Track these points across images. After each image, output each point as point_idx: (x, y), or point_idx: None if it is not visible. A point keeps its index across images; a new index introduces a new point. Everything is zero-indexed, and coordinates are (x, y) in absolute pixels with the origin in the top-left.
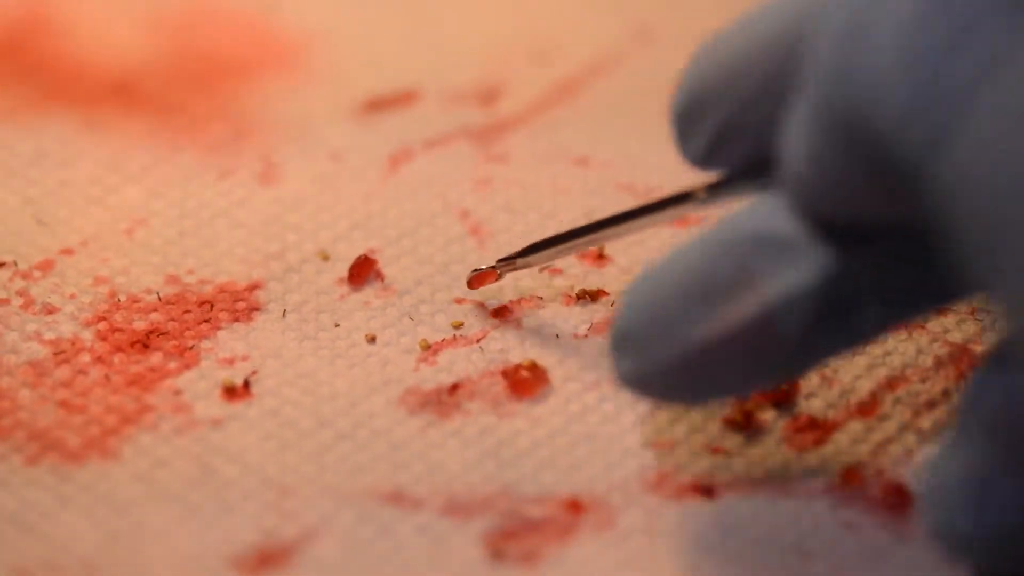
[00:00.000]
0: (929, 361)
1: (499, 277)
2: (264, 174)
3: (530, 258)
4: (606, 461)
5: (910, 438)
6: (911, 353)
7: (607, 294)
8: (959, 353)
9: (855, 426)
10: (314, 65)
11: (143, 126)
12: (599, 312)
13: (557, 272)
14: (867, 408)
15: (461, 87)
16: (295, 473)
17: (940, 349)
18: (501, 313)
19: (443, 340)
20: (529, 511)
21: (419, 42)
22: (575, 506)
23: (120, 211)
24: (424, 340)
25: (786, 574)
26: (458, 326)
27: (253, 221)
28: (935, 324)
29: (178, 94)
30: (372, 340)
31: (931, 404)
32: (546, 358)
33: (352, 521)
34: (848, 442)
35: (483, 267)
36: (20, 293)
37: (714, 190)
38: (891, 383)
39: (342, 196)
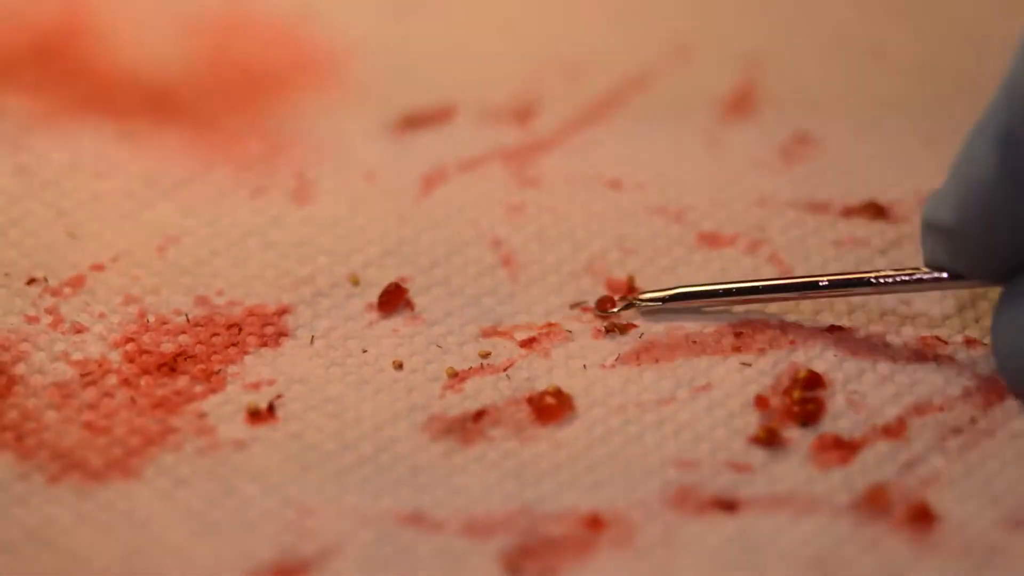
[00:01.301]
0: (957, 391)
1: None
2: (297, 192)
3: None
4: (627, 480)
5: (936, 460)
6: (939, 383)
7: (636, 327)
8: (987, 384)
9: (881, 446)
10: (349, 79)
11: (178, 139)
12: (627, 344)
13: (588, 309)
14: (893, 430)
15: (496, 103)
16: (316, 493)
17: (968, 380)
18: (529, 344)
19: (470, 368)
20: (548, 529)
21: (455, 57)
22: (595, 522)
23: (153, 227)
24: (451, 368)
25: None
26: (485, 355)
27: (285, 242)
28: (964, 356)
29: (213, 107)
30: (399, 367)
31: (957, 430)
32: (572, 386)
33: (371, 541)
34: (874, 462)
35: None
36: (50, 311)
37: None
38: (918, 409)
39: (374, 218)
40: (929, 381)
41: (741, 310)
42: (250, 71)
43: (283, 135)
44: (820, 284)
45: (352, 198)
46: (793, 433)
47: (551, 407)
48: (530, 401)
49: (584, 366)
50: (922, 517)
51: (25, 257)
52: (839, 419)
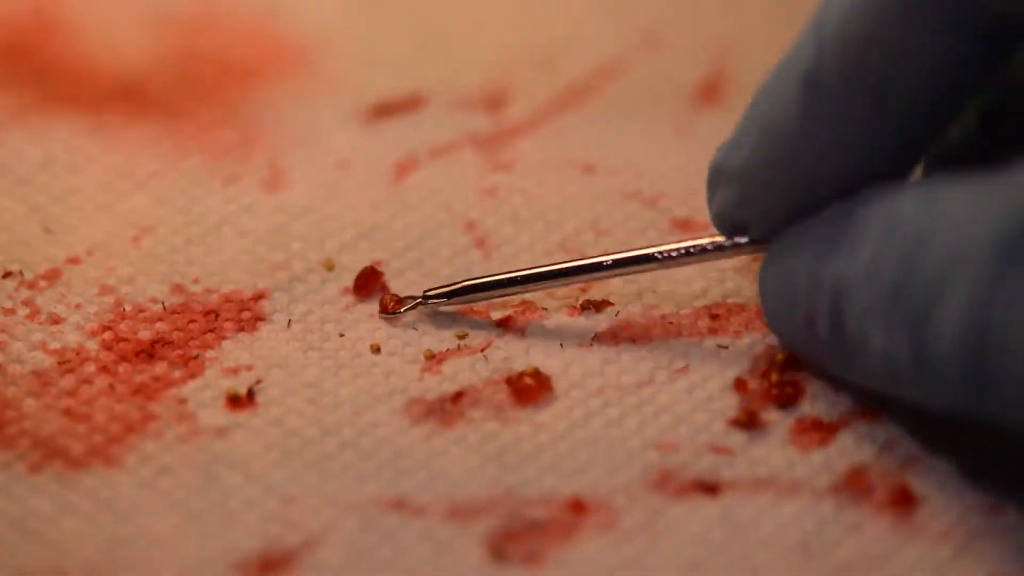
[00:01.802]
0: None
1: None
2: (270, 180)
3: (457, 299)
4: (609, 463)
5: (914, 442)
6: None
7: (612, 304)
8: None
9: (860, 427)
10: (321, 69)
11: (150, 131)
12: (603, 322)
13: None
14: (872, 412)
15: (467, 92)
16: (298, 481)
17: None
18: (505, 323)
19: (447, 350)
20: (531, 512)
21: (426, 47)
22: (578, 506)
23: (127, 218)
24: (428, 350)
25: (790, 574)
26: (462, 336)
27: (259, 229)
28: None
29: (185, 98)
30: (377, 350)
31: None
32: (550, 366)
33: (355, 528)
34: (853, 443)
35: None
36: (26, 303)
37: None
38: None
39: (348, 204)
40: None
41: (716, 291)
42: (221, 63)
43: (255, 125)
44: (605, 264)
45: (325, 185)
46: (772, 415)
47: (530, 388)
48: (508, 382)
49: (560, 345)
50: (903, 500)
51: (0, 252)
52: (817, 401)
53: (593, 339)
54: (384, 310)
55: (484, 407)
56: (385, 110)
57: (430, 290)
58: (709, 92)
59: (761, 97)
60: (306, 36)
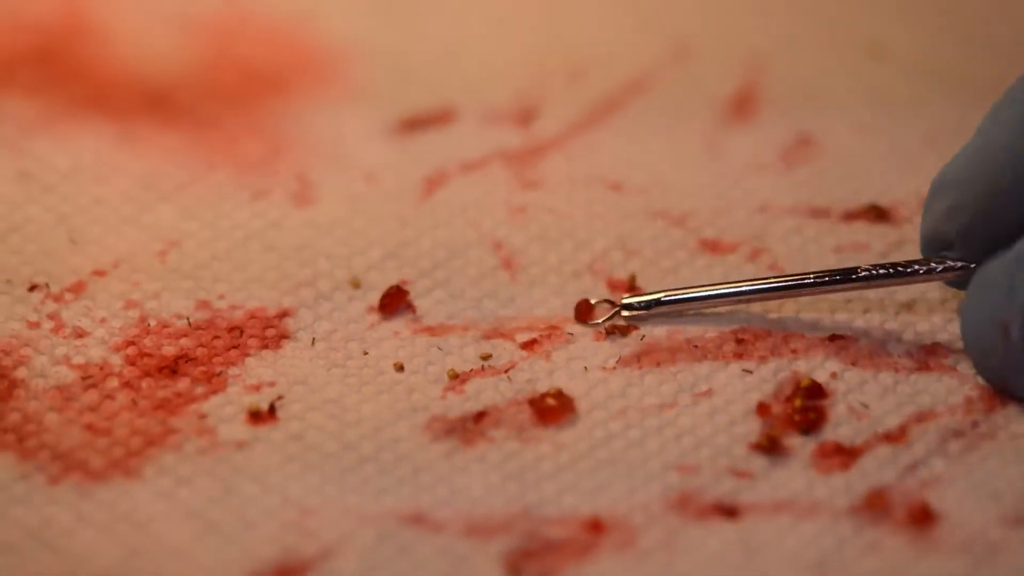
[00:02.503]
0: (959, 399)
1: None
2: (298, 194)
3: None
4: (629, 484)
5: (937, 463)
6: (941, 392)
7: (637, 329)
8: (989, 392)
9: (882, 451)
10: (350, 79)
11: (178, 140)
12: (628, 347)
13: (587, 303)
14: (894, 436)
15: (498, 105)
16: (317, 493)
17: (971, 390)
18: (530, 346)
19: (471, 370)
20: (550, 532)
21: (456, 59)
22: (596, 526)
23: (153, 231)
24: (452, 369)
25: None
26: (486, 357)
27: (286, 245)
28: (965, 365)
29: (214, 108)
30: (400, 369)
31: (959, 433)
32: (573, 388)
33: (372, 541)
34: (874, 466)
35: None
36: (51, 316)
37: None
38: (920, 417)
39: (375, 221)
40: (931, 391)
41: (742, 316)
42: (251, 72)
43: (284, 136)
44: (806, 282)
45: (353, 200)
46: (794, 441)
47: (552, 408)
48: (531, 402)
49: (585, 368)
50: (922, 517)
51: (27, 264)
52: (840, 427)
53: (617, 362)
54: (581, 320)
55: (506, 427)
56: (414, 123)
57: (626, 298)
58: (740, 107)
59: (993, 109)
60: (336, 45)
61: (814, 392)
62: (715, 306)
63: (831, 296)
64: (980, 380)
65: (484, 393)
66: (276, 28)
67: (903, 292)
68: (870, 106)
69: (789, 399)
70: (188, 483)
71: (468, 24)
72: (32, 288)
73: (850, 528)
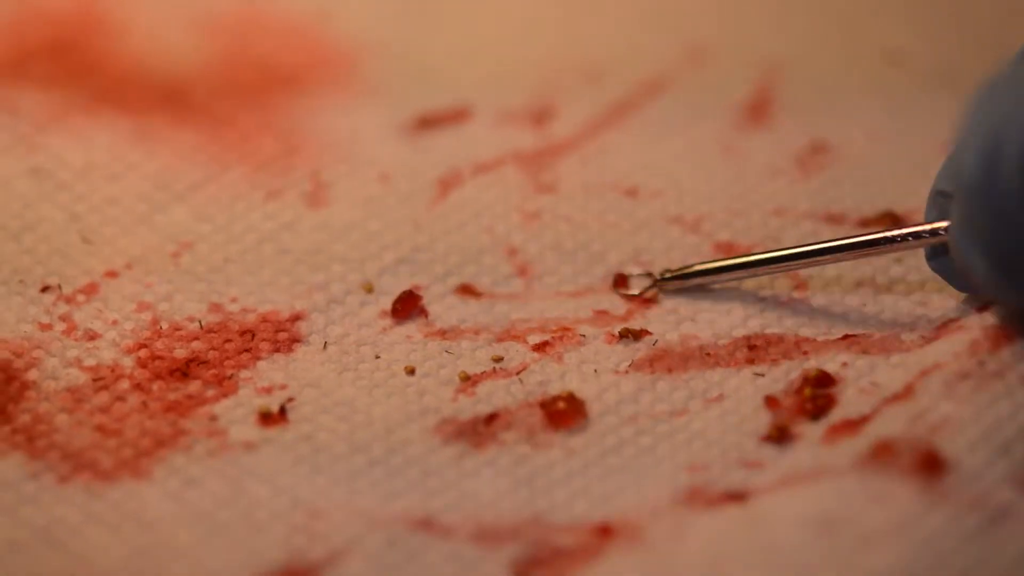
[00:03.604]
0: (964, 346)
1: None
2: (312, 195)
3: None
4: (639, 492)
5: (945, 406)
6: (945, 347)
7: (650, 333)
8: (994, 332)
9: (890, 411)
10: (366, 77)
11: (193, 138)
12: (641, 351)
13: (603, 313)
14: (901, 395)
15: (513, 106)
16: (326, 496)
17: (976, 333)
18: (542, 348)
19: (482, 372)
20: (559, 540)
21: (471, 58)
22: (605, 532)
23: (167, 232)
24: (463, 372)
25: (814, 548)
26: (498, 360)
27: (299, 248)
28: (975, 319)
29: (229, 105)
30: (411, 372)
31: (966, 375)
32: (584, 391)
33: (381, 545)
34: (882, 424)
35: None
36: (63, 318)
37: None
38: (924, 372)
39: (389, 224)
40: (937, 349)
41: (756, 325)
42: (266, 70)
43: (298, 134)
44: (827, 249)
45: (367, 202)
46: (804, 427)
47: (563, 412)
48: (543, 405)
49: (595, 371)
50: (931, 464)
51: (39, 264)
52: (850, 407)
53: (629, 366)
54: (619, 286)
55: (517, 430)
56: (429, 122)
57: (665, 272)
58: (756, 111)
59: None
60: (353, 43)
61: (823, 381)
62: (747, 276)
63: (845, 300)
64: (984, 323)
65: (495, 395)
66: (292, 26)
67: (917, 295)
68: (886, 113)
69: (799, 390)
70: (197, 484)
71: (484, 24)
72: (44, 289)
73: (856, 482)
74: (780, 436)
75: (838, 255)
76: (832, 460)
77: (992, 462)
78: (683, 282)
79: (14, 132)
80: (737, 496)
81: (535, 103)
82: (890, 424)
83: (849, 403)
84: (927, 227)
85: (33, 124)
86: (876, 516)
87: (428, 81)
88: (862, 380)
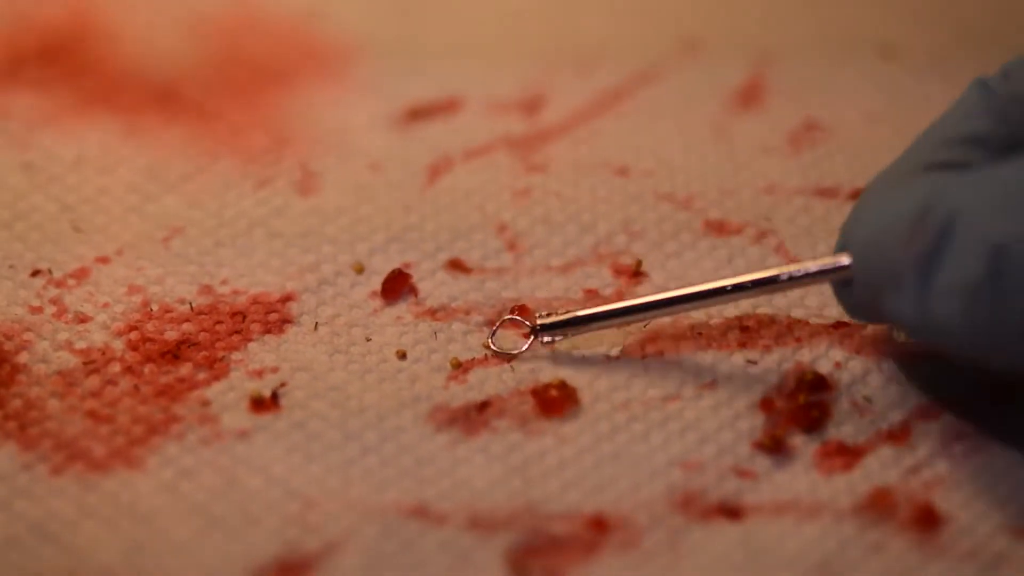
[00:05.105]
0: (962, 388)
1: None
2: (302, 183)
3: (573, 329)
4: (633, 480)
5: (941, 465)
6: (944, 382)
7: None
8: (993, 382)
9: (885, 451)
10: (356, 71)
11: (184, 133)
12: (632, 335)
13: (592, 293)
14: (897, 436)
15: (504, 96)
16: (320, 486)
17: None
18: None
19: (474, 359)
20: (553, 528)
21: (463, 49)
22: (599, 524)
23: (158, 219)
24: (455, 358)
25: None
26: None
27: (289, 232)
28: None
29: (219, 101)
30: (403, 356)
31: (961, 435)
32: (576, 378)
33: (376, 535)
34: (878, 467)
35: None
36: (53, 301)
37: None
38: (922, 413)
39: (380, 207)
40: (934, 380)
41: (748, 305)
42: (256, 65)
43: (288, 128)
44: (726, 289)
45: (357, 188)
46: (797, 440)
47: (555, 400)
48: (534, 393)
49: (585, 356)
50: (928, 519)
51: (30, 250)
52: (843, 424)
53: (621, 352)
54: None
55: (509, 417)
56: (420, 113)
57: (542, 316)
58: (747, 97)
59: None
60: (342, 38)
61: (817, 385)
62: (636, 321)
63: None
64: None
65: (487, 383)
66: (282, 21)
67: None
68: (880, 95)
69: (793, 394)
70: (191, 475)
71: (474, 16)
72: (35, 273)
73: (854, 529)
74: (774, 446)
75: (731, 296)
76: (830, 497)
77: (987, 515)
78: (562, 329)
79: (6, 132)
80: (732, 512)
81: (526, 93)
82: (887, 469)
83: (842, 418)
84: (830, 263)
85: (26, 125)
86: (874, 566)
87: (419, 72)
88: (855, 390)
